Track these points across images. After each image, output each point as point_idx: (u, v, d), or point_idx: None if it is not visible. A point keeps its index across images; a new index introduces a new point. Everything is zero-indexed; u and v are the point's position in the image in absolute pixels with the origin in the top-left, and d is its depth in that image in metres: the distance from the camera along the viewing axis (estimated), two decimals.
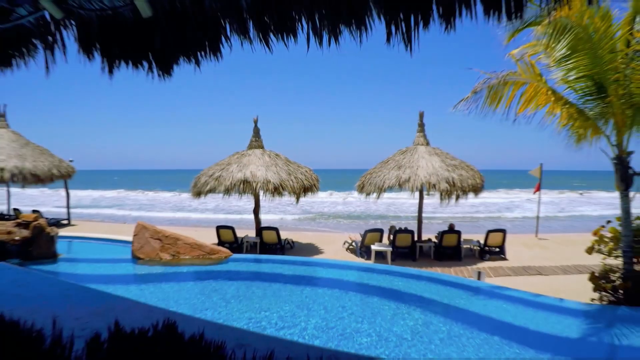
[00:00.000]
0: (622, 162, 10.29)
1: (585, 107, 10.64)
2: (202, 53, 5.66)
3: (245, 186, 18.26)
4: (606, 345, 8.49)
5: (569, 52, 9.92)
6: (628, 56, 9.78)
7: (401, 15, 4.66)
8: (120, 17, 5.19)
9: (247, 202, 21.39)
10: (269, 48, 5.18)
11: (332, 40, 4.95)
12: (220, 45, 5.55)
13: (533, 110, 10.75)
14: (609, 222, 11.09)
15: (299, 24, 4.94)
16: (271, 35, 5.10)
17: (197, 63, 5.74)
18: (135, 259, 14.19)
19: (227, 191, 18.43)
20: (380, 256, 17.91)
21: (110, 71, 5.93)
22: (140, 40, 5.61)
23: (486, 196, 37.06)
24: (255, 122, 20.73)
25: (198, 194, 19.23)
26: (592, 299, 10.73)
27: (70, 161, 27.85)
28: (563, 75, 10.60)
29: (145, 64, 5.91)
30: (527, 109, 10.75)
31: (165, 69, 5.96)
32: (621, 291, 10.33)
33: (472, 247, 19.26)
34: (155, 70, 5.93)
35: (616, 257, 10.79)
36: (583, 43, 9.66)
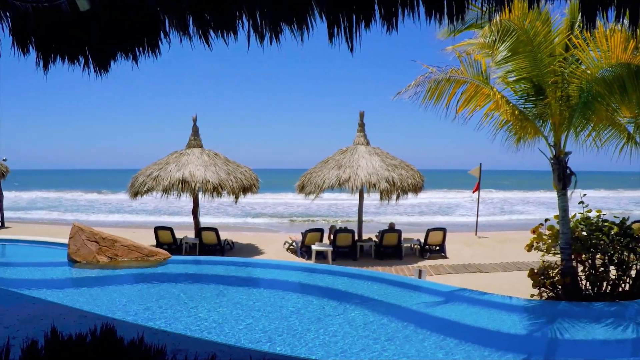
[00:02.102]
0: (559, 162, 10.61)
1: (525, 108, 10.92)
2: (140, 49, 5.53)
3: (184, 186, 17.96)
4: (548, 339, 8.72)
5: (509, 54, 10.15)
6: (567, 61, 10.10)
7: (343, 15, 4.66)
8: (57, 10, 5.01)
9: (188, 202, 21.04)
10: (208, 45, 5.12)
11: (273, 38, 4.92)
12: (159, 42, 5.43)
13: (473, 109, 10.92)
14: (547, 220, 11.37)
15: (240, 21, 4.88)
16: (211, 32, 5.03)
17: (135, 59, 5.61)
18: (72, 262, 13.75)
19: (166, 191, 18.06)
20: (321, 256, 17.89)
21: (46, 66, 5.74)
22: (77, 35, 5.44)
23: (426, 196, 37.51)
24: (194, 120, 20.40)
25: (135, 194, 18.79)
26: (532, 295, 11.03)
27: (4, 160, 26.70)
28: (504, 76, 10.85)
29: (82, 59, 5.73)
30: (467, 108, 10.91)
31: (102, 65, 5.80)
32: (560, 287, 10.64)
33: (412, 245, 19.42)
34: (91, 65, 5.77)
35: (554, 254, 11.08)
36: (524, 46, 9.93)
